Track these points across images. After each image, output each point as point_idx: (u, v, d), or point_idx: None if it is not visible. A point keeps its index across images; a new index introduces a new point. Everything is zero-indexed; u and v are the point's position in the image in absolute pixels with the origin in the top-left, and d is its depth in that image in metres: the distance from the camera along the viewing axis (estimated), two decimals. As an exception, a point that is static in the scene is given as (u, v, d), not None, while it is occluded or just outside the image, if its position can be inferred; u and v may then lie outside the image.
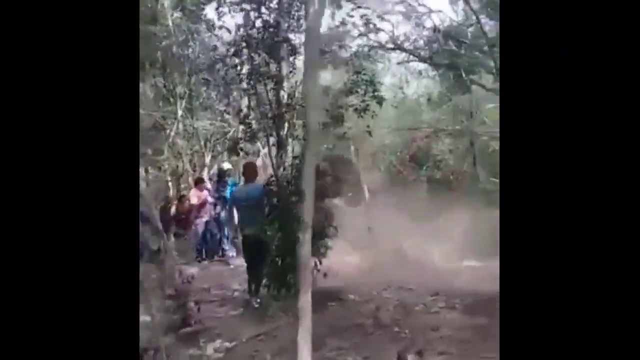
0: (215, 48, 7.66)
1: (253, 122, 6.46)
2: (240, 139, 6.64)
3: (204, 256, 9.75)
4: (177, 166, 11.40)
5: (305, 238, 2.86)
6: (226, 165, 9.57)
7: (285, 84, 6.56)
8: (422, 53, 11.33)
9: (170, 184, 12.91)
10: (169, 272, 6.33)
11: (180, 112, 11.04)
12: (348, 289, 6.30)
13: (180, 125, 11.24)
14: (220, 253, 9.62)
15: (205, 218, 9.78)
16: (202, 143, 12.46)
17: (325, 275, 6.24)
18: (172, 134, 11.09)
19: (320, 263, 6.26)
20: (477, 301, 5.03)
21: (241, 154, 7.33)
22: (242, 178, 6.63)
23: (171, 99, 11.53)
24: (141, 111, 11.07)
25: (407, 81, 15.83)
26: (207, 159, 12.34)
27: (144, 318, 5.62)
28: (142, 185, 13.17)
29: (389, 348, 4.23)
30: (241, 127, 6.61)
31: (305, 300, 2.80)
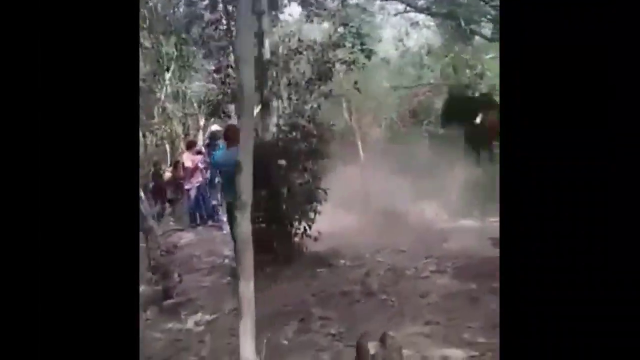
0: (192, 3, 7.22)
1: (233, 81, 6.11)
2: (222, 100, 6.30)
3: (197, 221, 9.55)
4: (171, 130, 11.07)
5: (244, 217, 2.54)
6: (214, 127, 9.22)
7: (267, 40, 6.17)
8: (420, 3, 10.76)
9: (166, 148, 12.65)
10: (153, 242, 6.13)
11: (168, 75, 10.63)
12: (340, 252, 6.07)
13: (169, 88, 10.84)
14: (215, 218, 9.41)
15: (198, 182, 9.54)
16: (196, 105, 12.08)
17: (315, 239, 6.01)
18: (162, 97, 10.72)
19: (310, 228, 6.02)
20: (468, 264, 4.79)
21: (232, 115, 7.01)
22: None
23: (160, 60, 11.11)
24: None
25: (407, 33, 15.24)
26: (202, 122, 12.00)
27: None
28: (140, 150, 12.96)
29: (375, 318, 4.01)
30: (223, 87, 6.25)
31: (247, 288, 2.50)
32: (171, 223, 11.25)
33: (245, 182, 2.46)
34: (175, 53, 10.98)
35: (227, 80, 6.06)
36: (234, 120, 6.50)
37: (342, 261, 5.80)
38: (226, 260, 6.74)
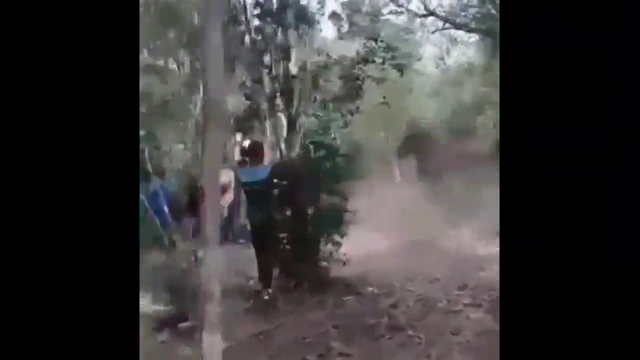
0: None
1: (260, 97, 5.90)
2: (246, 116, 6.08)
3: (231, 239, 9.34)
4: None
5: (209, 252, 2.17)
6: (246, 143, 9.01)
7: (293, 55, 5.92)
8: (458, 20, 10.39)
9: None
10: (170, 259, 5.85)
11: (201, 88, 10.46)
12: (368, 279, 5.68)
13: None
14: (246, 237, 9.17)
15: (230, 199, 9.36)
16: (232, 121, 11.93)
17: (344, 264, 5.66)
18: (197, 110, 10.55)
19: (337, 251, 5.68)
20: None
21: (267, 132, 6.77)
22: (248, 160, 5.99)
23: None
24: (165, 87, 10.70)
25: (447, 51, 14.86)
26: (238, 138, 11.84)
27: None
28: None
29: (399, 356, 3.64)
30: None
31: (212, 342, 2.15)
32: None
33: (210, 213, 2.11)
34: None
35: (253, 94, 5.84)
36: (259, 137, 6.28)
37: (370, 289, 5.41)
38: (252, 282, 6.41)
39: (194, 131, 11.23)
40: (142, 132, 6.05)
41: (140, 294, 5.67)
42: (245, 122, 6.17)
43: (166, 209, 9.35)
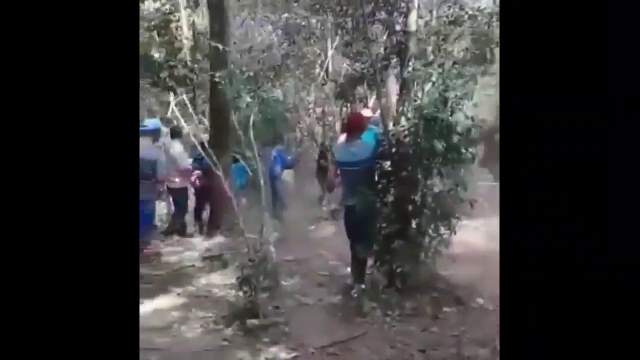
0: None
1: (369, 60, 4.99)
2: (353, 81, 5.23)
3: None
4: (323, 111, 10.25)
5: None
6: (365, 113, 8.17)
7: (414, 9, 4.89)
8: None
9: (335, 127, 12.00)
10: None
11: (331, 51, 9.71)
12: (481, 288, 4.64)
13: (330, 66, 9.95)
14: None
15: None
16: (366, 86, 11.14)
17: (454, 260, 4.69)
18: (322, 73, 9.91)
19: (446, 247, 4.70)
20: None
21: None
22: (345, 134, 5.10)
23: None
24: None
25: None
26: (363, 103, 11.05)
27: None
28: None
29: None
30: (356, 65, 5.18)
31: None
32: (324, 209, 10.65)
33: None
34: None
35: (359, 58, 4.97)
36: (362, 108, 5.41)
37: (480, 301, 4.41)
38: (348, 270, 5.62)
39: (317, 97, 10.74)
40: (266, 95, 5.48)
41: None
42: (349, 90, 5.30)
43: (280, 173, 8.95)
